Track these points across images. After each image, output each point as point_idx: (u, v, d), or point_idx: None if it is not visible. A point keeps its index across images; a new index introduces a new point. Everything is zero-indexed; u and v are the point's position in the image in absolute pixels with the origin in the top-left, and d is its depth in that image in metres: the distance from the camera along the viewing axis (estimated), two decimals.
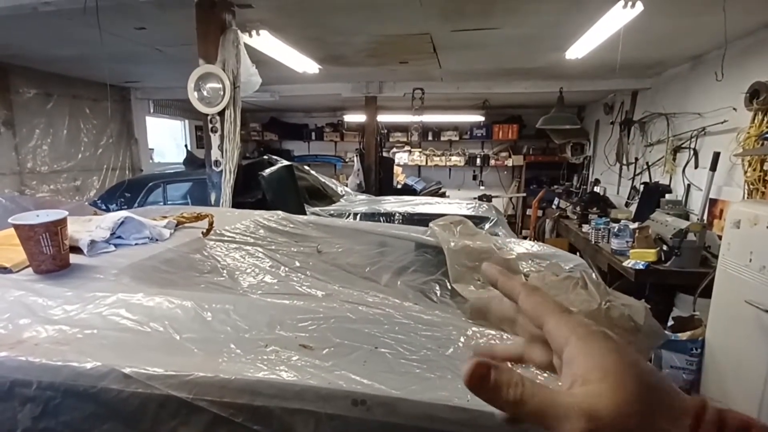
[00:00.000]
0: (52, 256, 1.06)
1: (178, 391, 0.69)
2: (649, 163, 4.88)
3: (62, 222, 1.07)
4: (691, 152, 4.03)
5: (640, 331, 0.95)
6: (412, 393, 0.69)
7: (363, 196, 5.00)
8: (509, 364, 0.39)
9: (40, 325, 0.85)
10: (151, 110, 6.69)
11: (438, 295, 1.44)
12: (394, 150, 8.87)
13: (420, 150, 8.81)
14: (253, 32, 3.17)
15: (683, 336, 2.69)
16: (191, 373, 0.70)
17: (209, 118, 2.78)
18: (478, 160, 8.60)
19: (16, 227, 1.03)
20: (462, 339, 0.88)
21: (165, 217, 1.52)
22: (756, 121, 3.05)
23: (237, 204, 2.78)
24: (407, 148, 8.89)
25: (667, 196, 4.21)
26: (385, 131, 8.68)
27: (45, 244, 1.03)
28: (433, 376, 0.74)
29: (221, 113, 2.76)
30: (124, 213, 1.35)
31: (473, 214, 3.81)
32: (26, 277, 1.06)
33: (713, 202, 3.62)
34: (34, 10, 2.76)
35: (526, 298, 0.35)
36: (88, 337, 0.82)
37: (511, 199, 8.56)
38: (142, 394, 0.70)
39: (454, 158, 8.65)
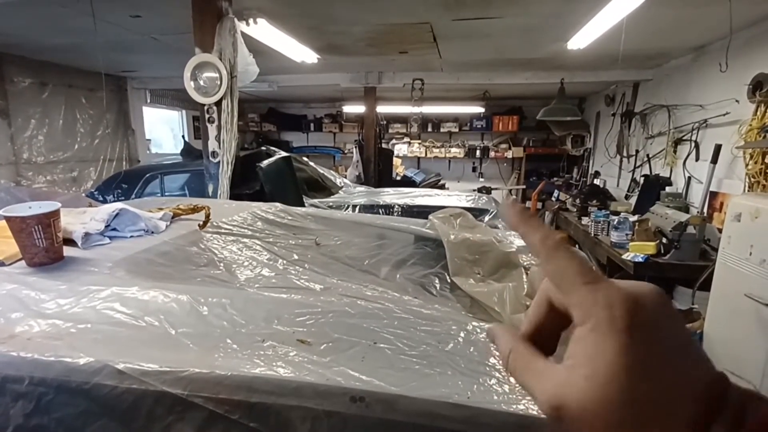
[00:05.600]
0: (44, 248, 1.04)
1: (172, 388, 0.67)
2: (650, 156, 4.86)
3: (55, 214, 1.05)
4: (692, 144, 4.01)
5: None
6: (411, 390, 0.67)
7: (362, 188, 4.98)
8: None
9: (33, 320, 0.83)
10: (148, 100, 6.62)
11: (438, 288, 1.42)
12: (394, 141, 8.83)
13: (419, 141, 8.76)
14: (251, 21, 3.11)
15: None
16: (186, 369, 0.68)
17: (206, 108, 2.75)
18: (478, 152, 8.57)
19: (8, 219, 1.01)
20: (462, 334, 0.87)
21: (161, 209, 1.50)
22: (758, 113, 3.02)
23: (234, 196, 2.76)
24: (407, 139, 8.85)
25: (668, 189, 4.19)
26: (385, 122, 8.63)
27: (37, 236, 1.01)
28: (433, 372, 0.73)
29: (218, 103, 2.72)
30: (119, 205, 1.33)
31: (473, 206, 3.79)
32: (19, 270, 1.04)
33: (714, 195, 3.60)
34: None
35: (547, 261, 0.30)
36: (81, 332, 0.80)
37: (510, 191, 8.54)
38: (136, 390, 0.68)
39: (453, 150, 8.62)
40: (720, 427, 0.23)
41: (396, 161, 7.61)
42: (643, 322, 0.26)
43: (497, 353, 0.32)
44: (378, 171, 6.36)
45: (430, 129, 8.64)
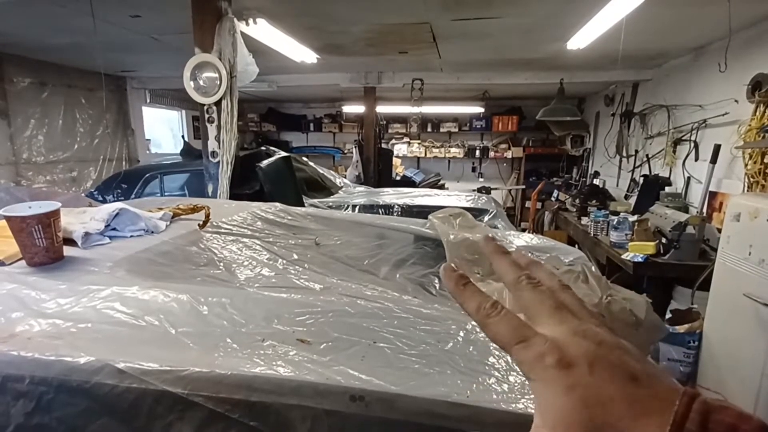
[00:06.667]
0: (45, 248, 1.04)
1: (173, 387, 0.67)
2: (649, 156, 4.86)
3: (55, 214, 1.05)
4: (692, 144, 4.01)
5: (641, 326, 0.94)
6: (411, 389, 0.68)
7: (362, 188, 4.98)
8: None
9: (33, 319, 0.83)
10: (148, 100, 6.61)
11: (437, 288, 1.43)
12: (393, 141, 8.83)
13: (419, 141, 8.77)
14: (250, 20, 3.11)
15: (681, 329, 2.70)
16: (186, 369, 0.69)
17: (206, 108, 2.75)
18: (478, 152, 8.57)
19: (8, 219, 1.01)
20: (461, 333, 0.87)
21: (161, 209, 1.50)
22: (758, 113, 3.02)
23: (234, 196, 2.76)
24: (406, 139, 8.85)
25: (667, 189, 4.20)
26: (384, 122, 8.63)
27: (37, 236, 1.01)
28: (432, 372, 0.73)
29: (218, 103, 2.72)
30: (119, 204, 1.33)
31: (472, 206, 3.80)
32: (19, 269, 1.04)
33: (713, 195, 3.61)
34: None
35: (517, 292, 0.33)
36: (81, 331, 0.80)
37: (510, 191, 8.54)
38: (137, 389, 0.68)
39: (453, 150, 8.62)
40: None
41: (395, 161, 7.62)
42: (576, 360, 0.27)
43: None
44: (378, 171, 6.36)
45: (429, 129, 8.64)
